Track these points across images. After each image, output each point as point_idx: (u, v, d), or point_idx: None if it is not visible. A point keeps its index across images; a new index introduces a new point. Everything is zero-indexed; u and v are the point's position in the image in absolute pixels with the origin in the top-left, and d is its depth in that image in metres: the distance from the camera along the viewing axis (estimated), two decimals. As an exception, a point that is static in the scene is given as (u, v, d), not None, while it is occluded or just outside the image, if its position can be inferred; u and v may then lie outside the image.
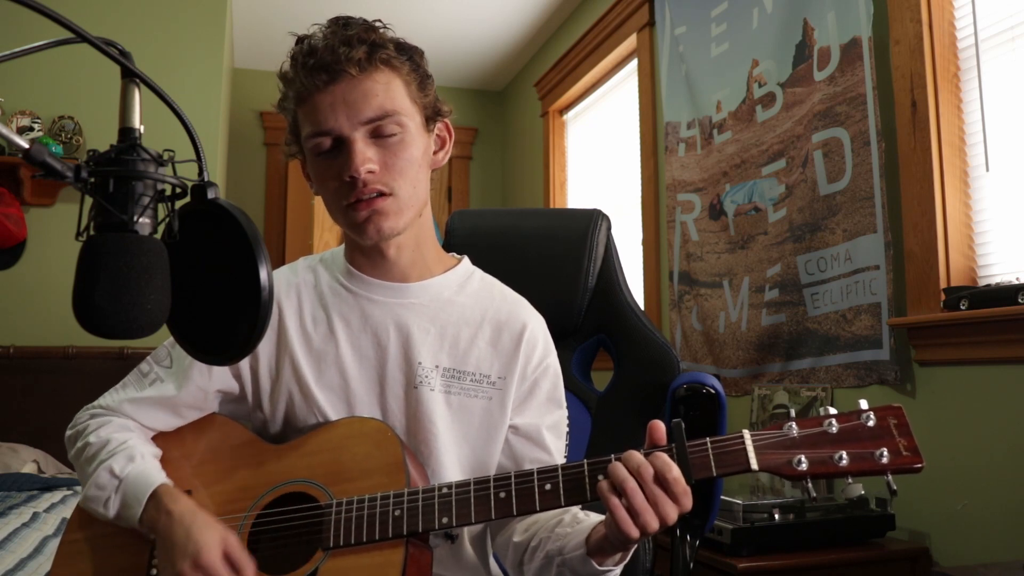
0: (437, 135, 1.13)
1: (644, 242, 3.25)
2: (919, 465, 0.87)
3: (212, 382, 1.09)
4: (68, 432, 1.12)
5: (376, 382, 1.08)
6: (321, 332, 1.10)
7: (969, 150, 1.92)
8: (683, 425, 0.91)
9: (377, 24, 1.06)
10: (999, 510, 1.73)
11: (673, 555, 1.30)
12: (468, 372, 1.10)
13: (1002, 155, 1.84)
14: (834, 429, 0.90)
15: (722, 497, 1.66)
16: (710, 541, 1.83)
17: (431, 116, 1.09)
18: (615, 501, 0.87)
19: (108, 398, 1.12)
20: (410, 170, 1.04)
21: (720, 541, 1.80)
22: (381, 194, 1.02)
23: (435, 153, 1.13)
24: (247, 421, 1.13)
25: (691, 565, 1.29)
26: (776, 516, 1.82)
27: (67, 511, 2.09)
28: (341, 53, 0.99)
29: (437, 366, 1.09)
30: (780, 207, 2.40)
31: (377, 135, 1.02)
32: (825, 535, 1.86)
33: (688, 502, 0.87)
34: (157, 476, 1.01)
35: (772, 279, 2.42)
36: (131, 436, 1.06)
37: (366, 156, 1.01)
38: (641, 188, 3.28)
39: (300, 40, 1.05)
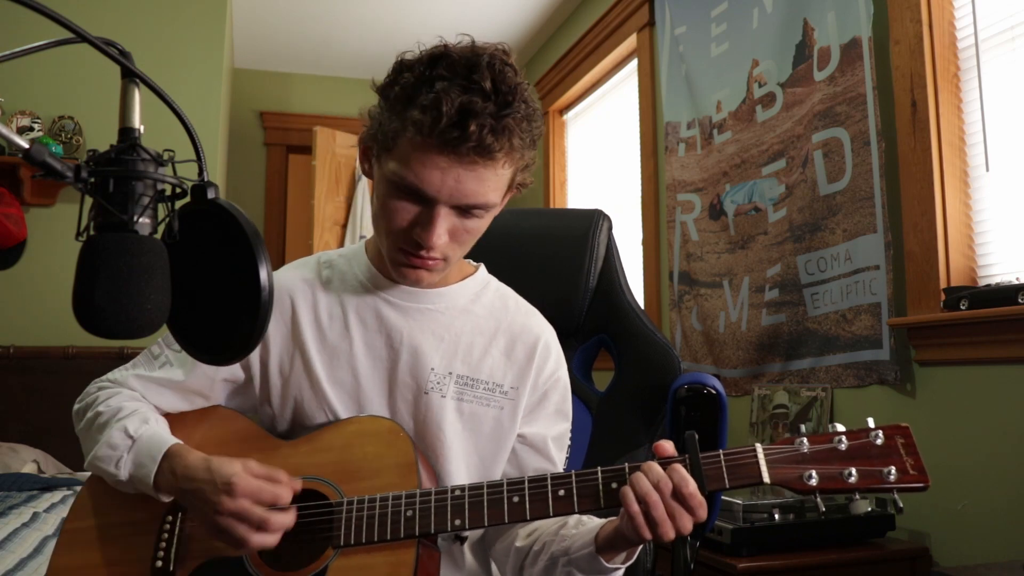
0: None
1: (644, 242, 3.24)
2: (925, 485, 0.90)
3: (219, 371, 1.09)
4: (76, 406, 1.12)
5: (386, 383, 1.08)
6: (336, 328, 1.10)
7: (969, 150, 1.92)
8: (696, 436, 0.93)
9: (527, 94, 0.97)
10: (999, 510, 1.73)
11: (673, 555, 1.30)
12: (481, 380, 1.10)
13: (1002, 155, 1.84)
14: (843, 446, 0.92)
15: (722, 497, 1.66)
16: (710, 541, 1.83)
17: (512, 188, 1.04)
18: (635, 508, 0.89)
19: (117, 373, 1.12)
20: (472, 243, 1.05)
21: (720, 541, 1.80)
22: (436, 259, 1.02)
23: None
24: (254, 416, 1.12)
25: (691, 565, 1.29)
26: (776, 516, 1.81)
27: (67, 511, 2.08)
28: (487, 141, 0.91)
29: (451, 373, 1.09)
30: (780, 207, 2.40)
31: (462, 213, 0.99)
32: (825, 535, 1.86)
33: (703, 513, 0.89)
34: (169, 438, 1.02)
35: (772, 279, 2.42)
36: (142, 404, 1.07)
37: (444, 230, 0.98)
38: (641, 188, 3.28)
39: (440, 59, 0.94)
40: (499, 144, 0.93)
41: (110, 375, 1.12)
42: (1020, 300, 1.65)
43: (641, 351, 1.39)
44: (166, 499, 1.02)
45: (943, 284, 1.88)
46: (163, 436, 1.02)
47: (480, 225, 1.03)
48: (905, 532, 1.95)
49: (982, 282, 1.88)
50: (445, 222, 0.97)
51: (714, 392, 1.24)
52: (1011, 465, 1.70)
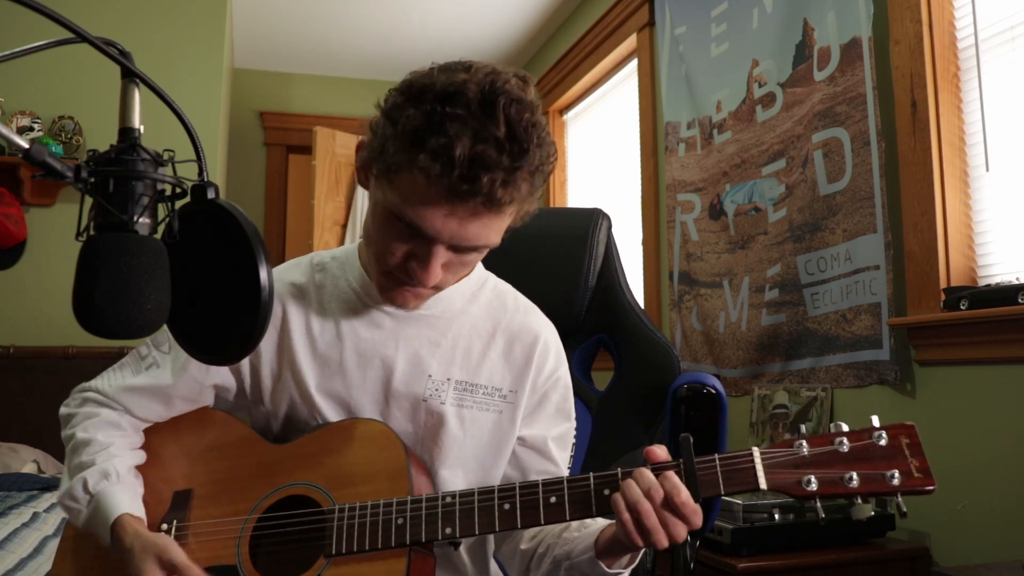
0: None
1: (644, 242, 3.24)
2: (931, 488, 0.85)
3: (209, 376, 1.07)
4: (62, 410, 1.11)
5: (381, 392, 1.06)
6: (328, 337, 1.07)
7: (969, 150, 1.92)
8: (691, 440, 0.89)
9: (543, 133, 0.91)
10: (999, 510, 1.73)
11: (673, 555, 1.30)
12: (480, 385, 1.08)
13: (1002, 155, 1.84)
14: (845, 448, 0.88)
15: (722, 497, 1.66)
16: (710, 541, 1.83)
17: (517, 221, 1.00)
18: (627, 516, 0.87)
19: (104, 381, 1.09)
20: (467, 273, 1.03)
21: (720, 541, 1.80)
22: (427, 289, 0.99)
23: None
24: (247, 416, 1.11)
25: (691, 565, 1.29)
26: (776, 516, 1.81)
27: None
28: (497, 195, 0.87)
29: (449, 379, 1.07)
30: (780, 207, 2.40)
31: (460, 250, 0.95)
32: (825, 535, 1.86)
33: (698, 521, 0.86)
34: (120, 504, 0.99)
35: (772, 279, 2.42)
36: (116, 439, 1.05)
37: (439, 267, 0.94)
38: (641, 188, 3.28)
39: (454, 96, 0.86)
40: (509, 196, 0.89)
41: (97, 382, 1.10)
42: (1020, 300, 1.65)
43: (641, 351, 1.39)
44: None
45: (943, 284, 1.88)
46: (114, 502, 0.99)
47: (477, 258, 1.00)
48: (905, 532, 1.95)
49: (982, 282, 1.88)
50: (441, 258, 0.94)
51: (714, 392, 1.24)
52: (1011, 465, 1.70)
